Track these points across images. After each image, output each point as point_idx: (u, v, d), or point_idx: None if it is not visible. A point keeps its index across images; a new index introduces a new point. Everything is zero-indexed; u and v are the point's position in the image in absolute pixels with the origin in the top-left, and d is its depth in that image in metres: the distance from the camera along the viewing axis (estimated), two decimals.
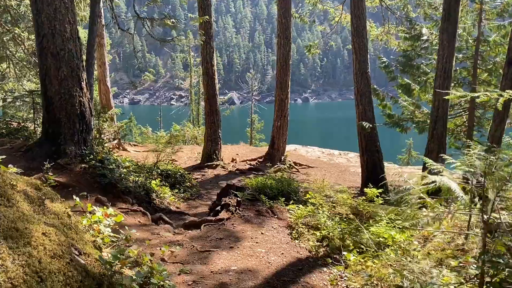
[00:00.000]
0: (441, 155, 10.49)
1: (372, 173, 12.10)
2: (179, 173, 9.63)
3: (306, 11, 15.01)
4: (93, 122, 7.64)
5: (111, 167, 6.92)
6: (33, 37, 16.93)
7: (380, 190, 7.49)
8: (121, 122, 11.24)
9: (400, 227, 5.26)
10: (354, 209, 6.17)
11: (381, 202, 7.35)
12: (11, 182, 2.64)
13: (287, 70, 13.78)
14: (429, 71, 12.28)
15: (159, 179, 8.93)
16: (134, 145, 16.39)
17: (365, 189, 7.45)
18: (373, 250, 4.80)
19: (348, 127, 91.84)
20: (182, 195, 9.20)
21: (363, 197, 7.27)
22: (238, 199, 6.22)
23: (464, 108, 11.92)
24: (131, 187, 6.83)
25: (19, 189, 2.63)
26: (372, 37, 15.00)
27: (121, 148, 14.53)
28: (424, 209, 3.68)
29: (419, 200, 4.30)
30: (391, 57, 13.88)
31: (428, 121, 12.28)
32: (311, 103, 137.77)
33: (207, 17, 11.55)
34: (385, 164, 12.40)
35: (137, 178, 7.54)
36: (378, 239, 5.15)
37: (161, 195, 8.17)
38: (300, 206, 6.71)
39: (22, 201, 2.47)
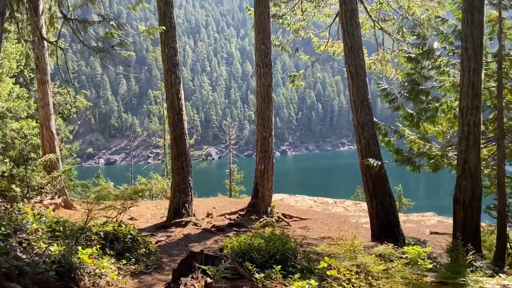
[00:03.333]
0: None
1: (384, 223, 9.61)
2: (129, 236, 6.87)
3: (287, 39, 13.18)
4: None
5: None
6: None
7: (428, 249, 4.99)
8: (58, 171, 8.55)
9: None
10: (414, 286, 3.59)
11: (430, 266, 4.82)
12: None
13: (269, 103, 11.57)
14: (442, 96, 10.28)
15: (98, 246, 6.17)
16: (88, 202, 13.51)
17: (405, 247, 4.92)
18: None
19: (330, 175, 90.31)
20: (133, 267, 6.41)
21: (404, 260, 4.73)
22: (208, 280, 3.56)
23: (489, 138, 9.82)
24: (32, 264, 4.10)
25: None
26: None
27: (68, 206, 11.67)
28: None
29: None
30: (393, 82, 11.98)
31: (445, 156, 10.10)
32: (289, 155, 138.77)
33: (163, 28, 9.32)
34: None
35: (52, 248, 4.81)
36: None
37: (97, 271, 5.39)
38: (312, 282, 4.10)
39: None
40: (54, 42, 7.81)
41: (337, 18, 12.75)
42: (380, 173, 9.64)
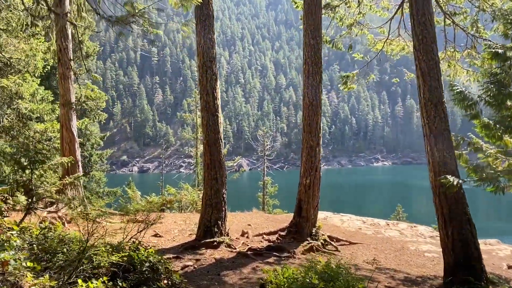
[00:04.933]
0: None
1: (463, 256, 7.70)
2: (147, 264, 5.37)
3: (339, 35, 11.58)
4: None
5: None
6: None
7: None
8: (70, 177, 7.26)
9: None
10: None
11: None
12: None
13: (318, 107, 9.95)
14: None
15: (105, 278, 4.71)
16: (111, 214, 12.29)
17: None
18: None
19: (364, 192, 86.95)
20: None
21: None
22: None
23: None
24: None
25: None
26: None
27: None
28: None
29: None
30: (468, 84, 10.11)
31: None
32: (321, 170, 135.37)
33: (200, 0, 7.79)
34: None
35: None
36: None
37: None
38: None
39: None
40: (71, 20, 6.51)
41: (398, 12, 11.10)
42: (458, 194, 7.81)
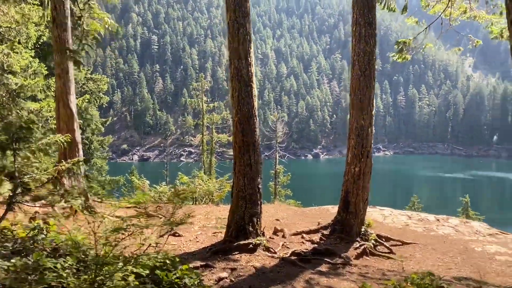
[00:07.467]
0: None
1: None
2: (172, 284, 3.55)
3: None
4: None
5: None
6: None
7: None
8: (67, 162, 5.56)
9: None
10: None
11: None
12: None
13: (371, 78, 8.12)
14: None
15: None
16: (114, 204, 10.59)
17: None
18: None
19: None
20: None
21: None
22: None
23: None
24: None
25: None
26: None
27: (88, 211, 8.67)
28: None
29: None
30: None
31: None
32: (322, 159, 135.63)
33: None
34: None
35: None
36: None
37: None
38: None
39: None
40: None
41: None
42: None
